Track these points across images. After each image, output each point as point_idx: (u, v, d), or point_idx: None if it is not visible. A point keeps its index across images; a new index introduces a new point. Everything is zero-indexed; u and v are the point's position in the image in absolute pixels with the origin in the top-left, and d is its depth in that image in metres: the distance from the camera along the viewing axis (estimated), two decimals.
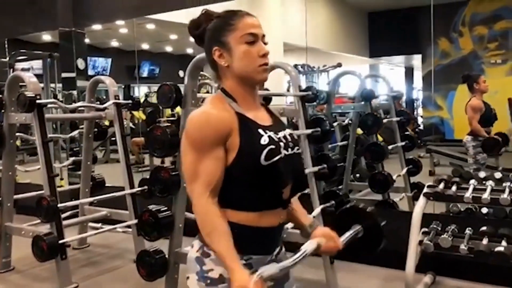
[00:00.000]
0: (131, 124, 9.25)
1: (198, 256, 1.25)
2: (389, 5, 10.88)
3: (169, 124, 2.71)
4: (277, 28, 7.14)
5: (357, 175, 5.56)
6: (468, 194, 2.82)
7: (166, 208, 2.74)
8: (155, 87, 11.10)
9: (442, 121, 9.86)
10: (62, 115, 4.01)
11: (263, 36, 1.29)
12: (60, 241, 3.11)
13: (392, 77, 11.82)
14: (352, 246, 1.47)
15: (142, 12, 4.91)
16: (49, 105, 3.28)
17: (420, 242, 2.91)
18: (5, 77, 3.89)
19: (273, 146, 1.23)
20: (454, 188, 2.93)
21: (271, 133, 1.26)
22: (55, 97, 6.15)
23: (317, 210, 2.91)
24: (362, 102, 4.18)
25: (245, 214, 1.23)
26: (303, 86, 2.95)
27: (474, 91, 4.30)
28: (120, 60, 11.96)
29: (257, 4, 7.30)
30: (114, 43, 11.78)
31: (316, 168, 2.95)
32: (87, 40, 10.62)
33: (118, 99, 3.73)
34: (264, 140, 1.22)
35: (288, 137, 1.32)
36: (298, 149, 1.34)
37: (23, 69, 6.02)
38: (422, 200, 3.00)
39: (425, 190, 3.03)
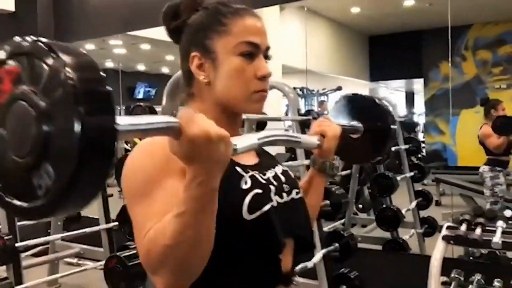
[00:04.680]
0: (127, 146, 8.90)
1: None
2: (391, 29, 10.66)
3: None
4: (276, 48, 6.79)
5: (360, 206, 5.15)
6: (497, 239, 2.37)
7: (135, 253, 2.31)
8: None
9: (445, 147, 9.50)
10: None
11: (267, 48, 0.89)
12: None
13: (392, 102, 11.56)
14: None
15: (129, 28, 4.58)
16: None
17: None
18: None
19: (259, 191, 0.83)
20: (478, 230, 2.50)
21: (255, 172, 0.85)
22: None
23: (318, 255, 2.48)
24: None
25: None
26: (302, 110, 2.57)
27: (490, 118, 3.93)
28: (117, 81, 11.65)
29: None
30: (109, 64, 11.49)
31: None
32: None
33: None
34: (246, 182, 0.82)
35: (282, 177, 0.92)
36: (298, 193, 0.92)
37: None
38: (441, 244, 2.55)
39: (444, 232, 2.59)
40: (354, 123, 1.16)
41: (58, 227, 3.60)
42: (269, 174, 0.90)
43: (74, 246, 3.51)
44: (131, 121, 0.63)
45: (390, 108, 1.20)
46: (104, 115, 0.56)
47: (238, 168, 0.85)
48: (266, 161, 0.95)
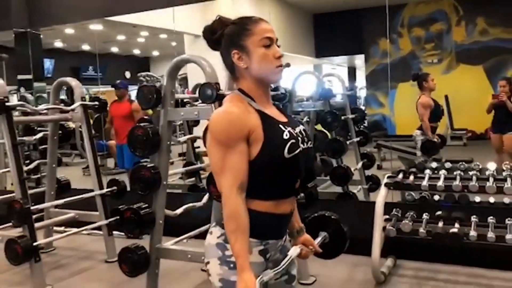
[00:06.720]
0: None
1: (219, 242, 1.37)
2: (334, 7, 11.27)
3: (150, 124, 2.77)
4: None
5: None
6: (425, 182, 3.10)
7: (146, 205, 2.81)
8: (99, 89, 10.82)
9: (384, 118, 10.37)
10: (29, 117, 3.95)
11: (277, 39, 1.42)
12: (34, 244, 3.10)
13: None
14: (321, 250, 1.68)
15: (103, 13, 4.87)
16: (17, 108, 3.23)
17: (383, 228, 3.16)
18: None
19: (293, 140, 1.36)
20: (411, 177, 3.21)
21: (290, 129, 1.39)
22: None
23: None
24: (321, 101, 4.41)
25: (265, 203, 1.36)
26: None
27: (424, 89, 4.61)
28: (63, 60, 11.70)
29: (209, 4, 7.37)
30: (58, 44, 11.44)
31: None
32: None
33: (85, 100, 3.75)
34: (286, 135, 1.35)
35: (303, 132, 1.46)
36: (311, 144, 1.48)
37: None
38: (383, 190, 3.25)
39: (386, 180, 3.29)
40: (322, 236, 1.72)
41: (52, 196, 3.99)
42: (297, 130, 1.41)
43: (68, 212, 3.91)
44: None
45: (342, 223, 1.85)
46: None
47: (280, 125, 1.36)
48: (292, 120, 1.49)
